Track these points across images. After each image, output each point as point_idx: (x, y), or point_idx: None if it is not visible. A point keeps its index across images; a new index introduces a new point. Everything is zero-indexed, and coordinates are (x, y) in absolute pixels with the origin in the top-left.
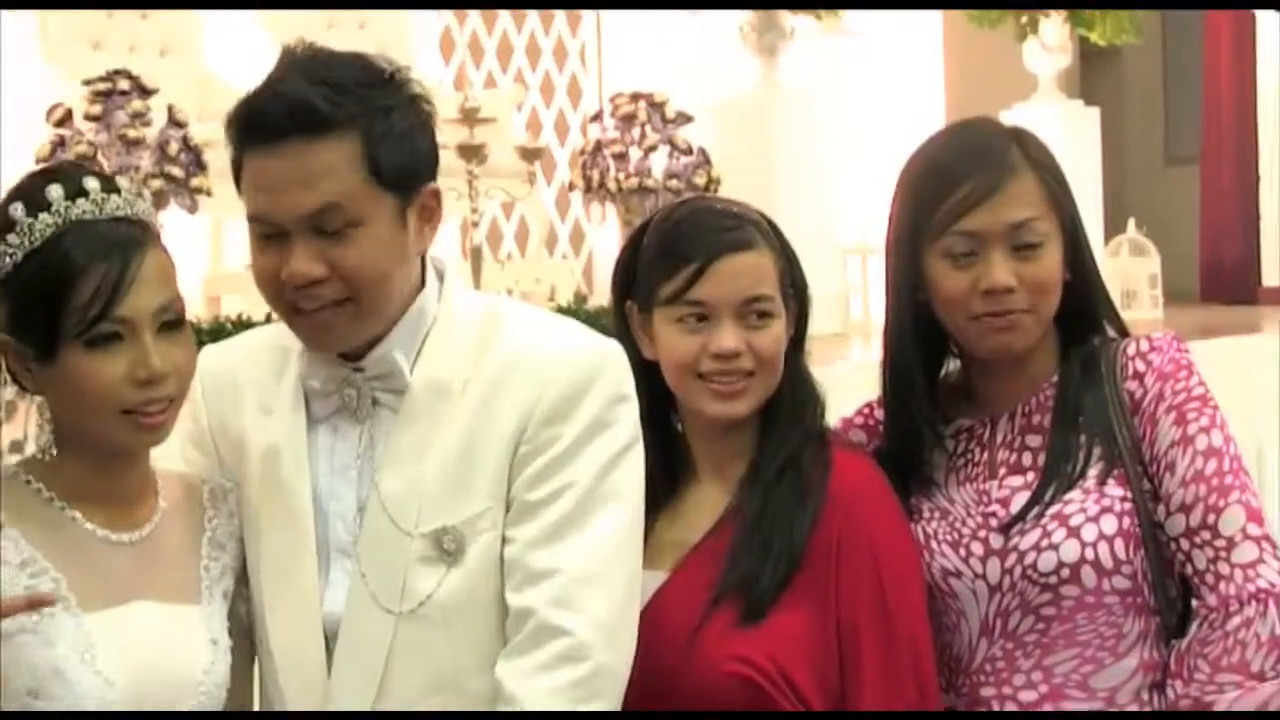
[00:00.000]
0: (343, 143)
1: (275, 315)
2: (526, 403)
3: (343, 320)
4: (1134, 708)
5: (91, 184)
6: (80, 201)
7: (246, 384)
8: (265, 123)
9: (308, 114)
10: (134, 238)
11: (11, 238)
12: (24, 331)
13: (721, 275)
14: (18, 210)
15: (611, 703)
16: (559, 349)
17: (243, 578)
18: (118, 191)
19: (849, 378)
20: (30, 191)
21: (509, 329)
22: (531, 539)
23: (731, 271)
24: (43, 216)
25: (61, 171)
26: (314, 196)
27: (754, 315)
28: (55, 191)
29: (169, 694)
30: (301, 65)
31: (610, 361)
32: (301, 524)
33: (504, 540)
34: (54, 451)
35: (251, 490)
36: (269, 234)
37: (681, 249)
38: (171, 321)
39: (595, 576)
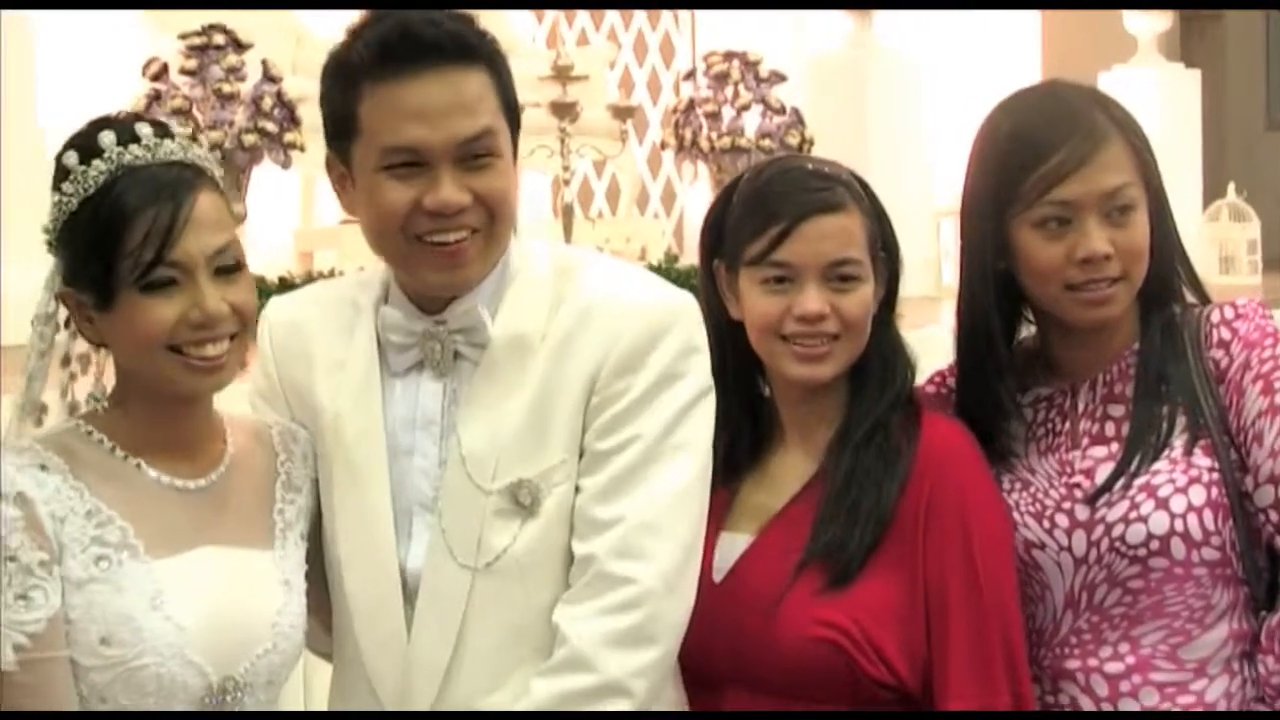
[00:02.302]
0: (485, 74)
1: (383, 260)
2: (598, 354)
3: (476, 251)
4: (1225, 678)
5: (144, 130)
6: (133, 147)
7: (316, 339)
8: (420, 46)
9: (459, 40)
10: (186, 180)
11: (67, 186)
12: (83, 280)
13: (807, 237)
14: (72, 159)
15: (666, 649)
16: (630, 301)
17: (319, 519)
18: (171, 137)
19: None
20: (84, 140)
21: (583, 281)
22: (597, 490)
23: (818, 233)
24: (95, 163)
25: (115, 119)
26: (473, 122)
27: (840, 278)
28: (108, 138)
29: (241, 636)
30: (416, 7)
31: (681, 313)
32: (376, 479)
33: (576, 490)
34: (105, 404)
35: (325, 446)
36: (408, 162)
37: (768, 209)
38: (229, 266)
39: (658, 525)
